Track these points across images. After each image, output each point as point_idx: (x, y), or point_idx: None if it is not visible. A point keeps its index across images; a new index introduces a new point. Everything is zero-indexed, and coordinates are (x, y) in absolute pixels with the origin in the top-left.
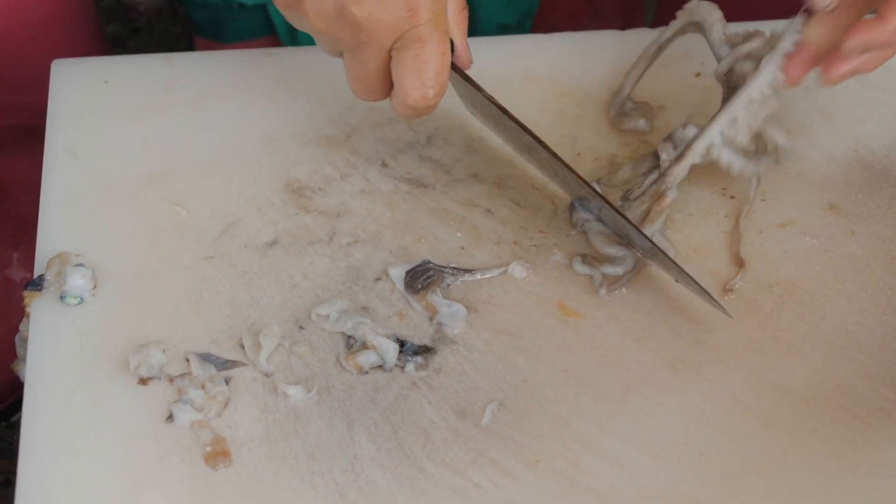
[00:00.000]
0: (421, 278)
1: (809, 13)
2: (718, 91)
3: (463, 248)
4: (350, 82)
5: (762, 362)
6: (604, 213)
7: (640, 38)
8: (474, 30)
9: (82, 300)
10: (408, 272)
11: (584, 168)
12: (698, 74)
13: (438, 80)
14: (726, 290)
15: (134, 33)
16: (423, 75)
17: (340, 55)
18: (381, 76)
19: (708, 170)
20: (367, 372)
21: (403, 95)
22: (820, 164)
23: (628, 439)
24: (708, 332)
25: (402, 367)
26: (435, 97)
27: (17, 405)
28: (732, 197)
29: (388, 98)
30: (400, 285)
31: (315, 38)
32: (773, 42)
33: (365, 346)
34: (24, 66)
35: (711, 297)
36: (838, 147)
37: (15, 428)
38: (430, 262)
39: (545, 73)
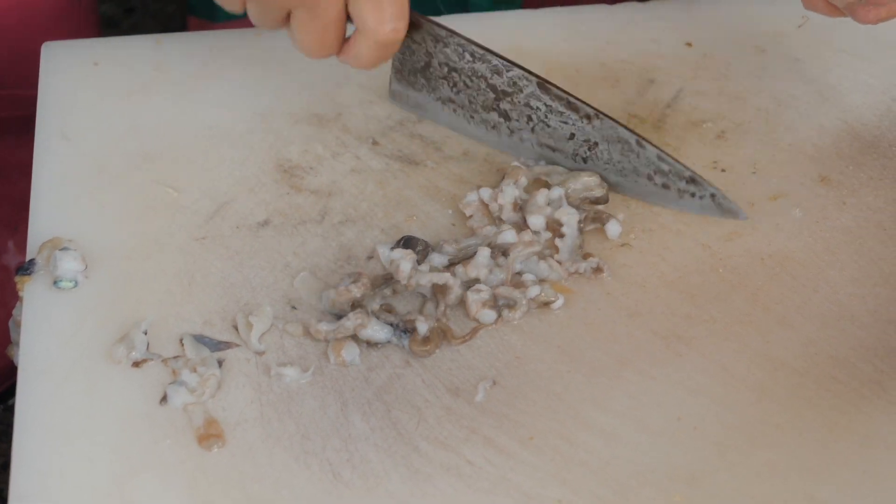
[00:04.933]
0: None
1: None
2: (711, 62)
3: (454, 224)
4: (303, 40)
5: (755, 335)
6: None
7: (628, 12)
8: (466, 4)
9: (76, 284)
10: (392, 248)
11: None
12: (689, 44)
13: (402, 9)
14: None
15: (128, 13)
16: (385, 9)
17: (284, 20)
18: (340, 25)
19: (699, 143)
20: (347, 366)
21: (371, 34)
22: (811, 135)
23: (622, 414)
24: (700, 306)
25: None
26: (404, 28)
27: (14, 389)
28: (723, 171)
29: (339, 53)
30: (388, 264)
31: (258, 7)
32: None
33: (347, 337)
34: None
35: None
36: (829, 118)
37: (12, 411)
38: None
39: (535, 49)
